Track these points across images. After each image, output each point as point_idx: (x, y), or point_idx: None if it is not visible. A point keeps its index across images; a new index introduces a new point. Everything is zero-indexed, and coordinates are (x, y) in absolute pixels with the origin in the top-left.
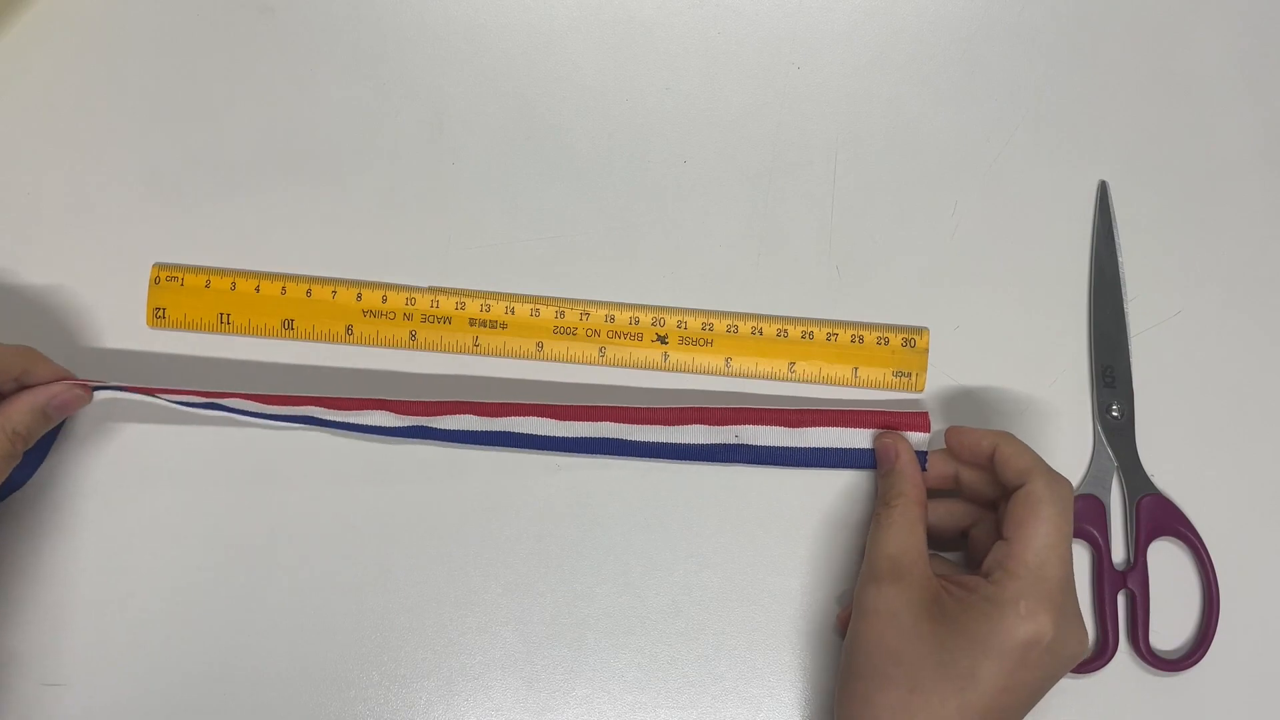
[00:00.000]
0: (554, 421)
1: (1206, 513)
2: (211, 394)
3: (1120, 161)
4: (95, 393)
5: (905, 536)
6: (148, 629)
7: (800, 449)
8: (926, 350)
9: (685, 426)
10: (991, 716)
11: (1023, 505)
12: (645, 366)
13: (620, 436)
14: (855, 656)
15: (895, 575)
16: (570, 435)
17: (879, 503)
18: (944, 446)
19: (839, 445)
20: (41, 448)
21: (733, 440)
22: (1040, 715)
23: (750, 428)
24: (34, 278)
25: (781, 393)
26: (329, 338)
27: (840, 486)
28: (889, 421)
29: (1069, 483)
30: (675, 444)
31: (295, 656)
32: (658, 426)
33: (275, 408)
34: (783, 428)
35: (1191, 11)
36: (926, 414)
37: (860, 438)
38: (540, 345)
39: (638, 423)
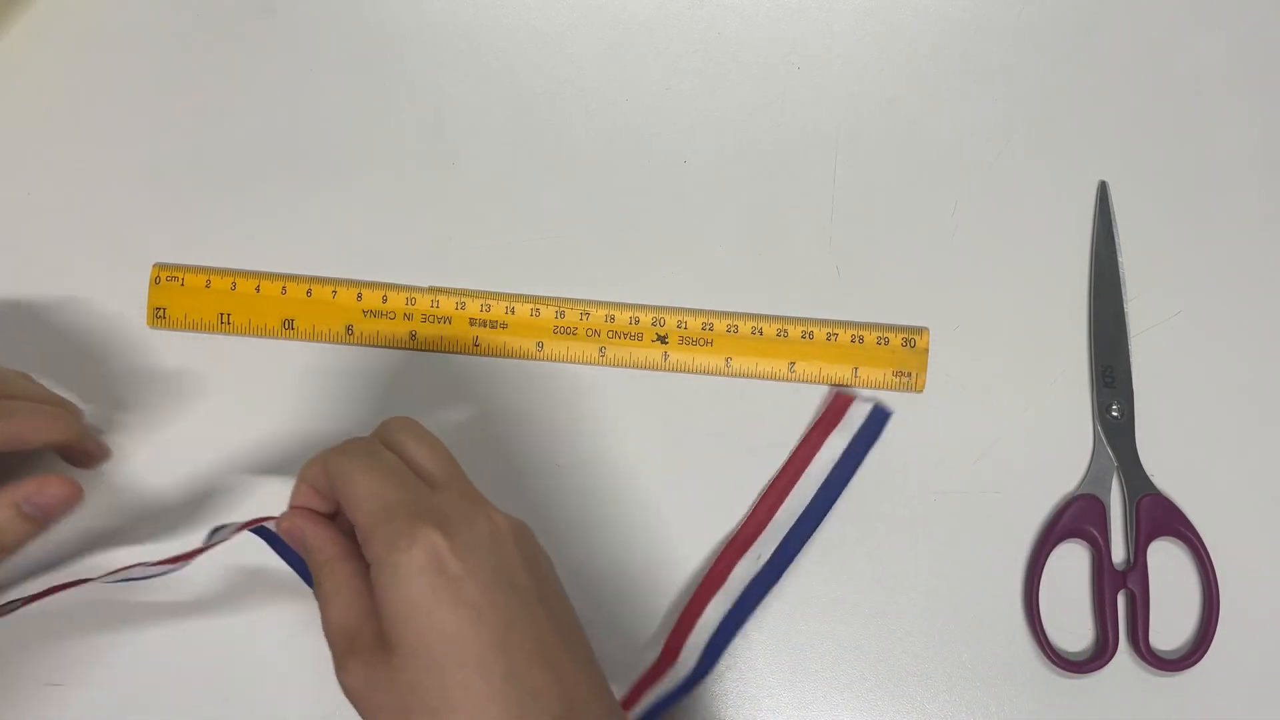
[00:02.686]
0: None
1: (1206, 513)
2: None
3: (1120, 161)
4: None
5: (343, 600)
6: (148, 629)
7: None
8: (926, 350)
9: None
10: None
11: (340, 487)
12: (645, 366)
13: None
14: None
15: (351, 647)
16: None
17: (314, 582)
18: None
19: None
20: None
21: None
22: (1040, 715)
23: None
24: (34, 278)
25: (782, 393)
26: (329, 338)
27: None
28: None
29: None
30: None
31: (295, 657)
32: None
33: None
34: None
35: (1191, 12)
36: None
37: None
38: (540, 345)
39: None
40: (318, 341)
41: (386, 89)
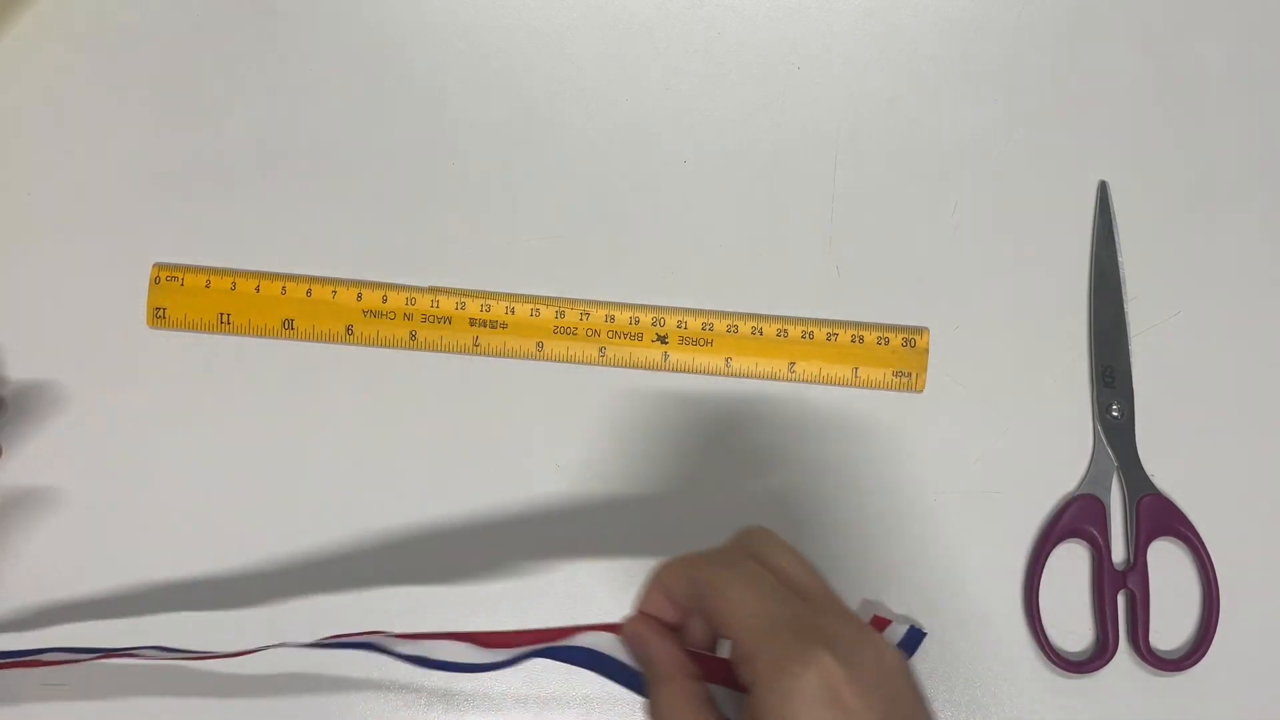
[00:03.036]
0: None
1: (1206, 513)
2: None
3: (1120, 161)
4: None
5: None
6: (147, 629)
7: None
8: (926, 350)
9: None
10: None
11: (712, 602)
12: (645, 366)
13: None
14: None
15: None
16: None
17: (649, 693)
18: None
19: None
20: None
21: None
22: (1041, 715)
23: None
24: (34, 277)
25: (782, 393)
26: (329, 338)
27: (840, 488)
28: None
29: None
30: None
31: (295, 657)
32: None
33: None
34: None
35: (1191, 12)
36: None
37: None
38: (540, 345)
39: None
40: (318, 341)
41: (386, 89)
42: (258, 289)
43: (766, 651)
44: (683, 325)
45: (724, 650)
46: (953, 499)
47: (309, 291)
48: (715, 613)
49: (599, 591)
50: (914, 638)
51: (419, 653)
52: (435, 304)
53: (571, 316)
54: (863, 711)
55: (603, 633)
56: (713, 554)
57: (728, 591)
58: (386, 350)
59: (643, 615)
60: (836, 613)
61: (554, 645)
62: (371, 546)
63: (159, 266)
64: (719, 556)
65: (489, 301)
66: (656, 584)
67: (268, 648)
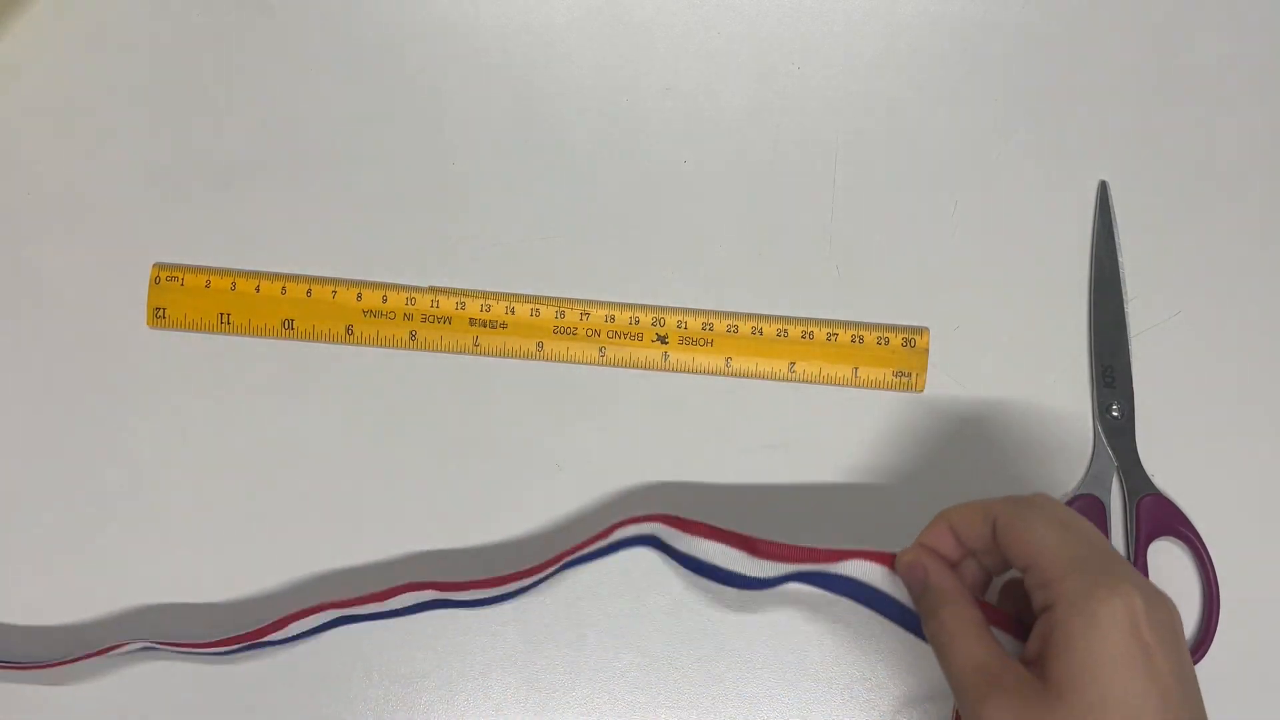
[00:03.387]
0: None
1: (1206, 513)
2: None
3: (1120, 161)
4: None
5: (975, 641)
6: (147, 629)
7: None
8: (926, 350)
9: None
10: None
11: (1013, 533)
12: (645, 366)
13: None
14: None
15: (993, 687)
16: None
17: (927, 618)
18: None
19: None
20: None
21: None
22: None
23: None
24: (34, 278)
25: (782, 393)
26: (329, 338)
27: (840, 489)
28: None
29: (1119, 578)
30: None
31: (295, 656)
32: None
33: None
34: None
35: (1191, 11)
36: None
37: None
38: (540, 345)
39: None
40: (318, 341)
41: (386, 89)
42: (258, 289)
43: (1075, 578)
44: (683, 325)
45: (992, 596)
46: (953, 499)
47: (309, 291)
48: (1018, 543)
49: (601, 591)
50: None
51: (693, 552)
52: (435, 304)
53: (571, 316)
54: (1157, 648)
55: (871, 562)
56: (1013, 497)
57: (1033, 525)
58: (386, 350)
59: (923, 547)
60: (1130, 568)
61: (818, 571)
62: (371, 547)
63: (159, 266)
64: (1022, 499)
65: (489, 301)
66: (943, 521)
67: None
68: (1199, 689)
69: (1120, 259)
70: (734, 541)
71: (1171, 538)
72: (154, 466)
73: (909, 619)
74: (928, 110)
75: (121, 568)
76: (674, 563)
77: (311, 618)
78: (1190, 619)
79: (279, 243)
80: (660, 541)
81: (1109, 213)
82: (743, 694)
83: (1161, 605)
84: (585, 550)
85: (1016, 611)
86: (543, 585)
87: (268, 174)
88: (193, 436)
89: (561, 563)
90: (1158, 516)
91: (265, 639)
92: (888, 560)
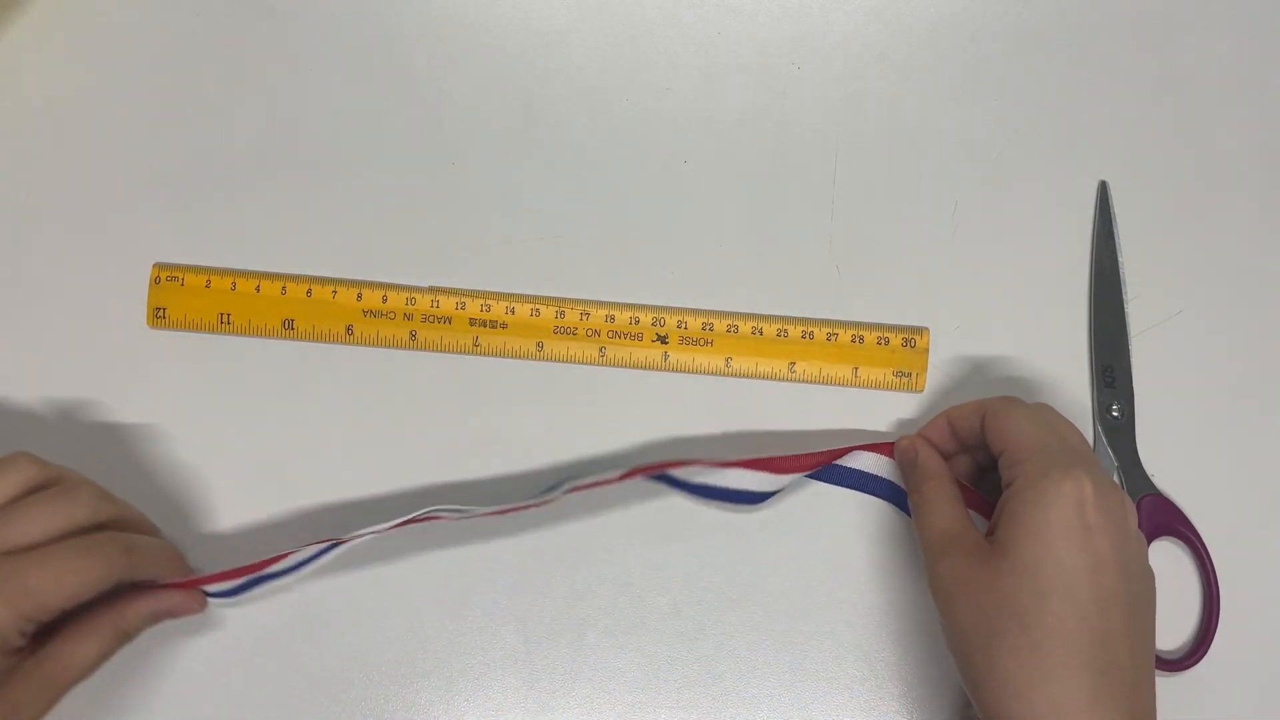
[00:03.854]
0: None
1: (1206, 513)
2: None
3: (1120, 161)
4: (209, 598)
5: (947, 509)
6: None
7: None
8: (926, 350)
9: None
10: (1107, 614)
11: (996, 421)
12: (645, 366)
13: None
14: (957, 637)
15: (952, 546)
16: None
17: (911, 491)
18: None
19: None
20: None
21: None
22: None
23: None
24: (34, 278)
25: (782, 393)
26: (329, 338)
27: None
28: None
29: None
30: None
31: (295, 656)
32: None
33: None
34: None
35: (1191, 11)
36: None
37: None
38: (540, 345)
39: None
40: (318, 341)
41: (386, 89)
42: (258, 289)
43: (1036, 460)
44: (683, 325)
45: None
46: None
47: (309, 291)
48: (999, 430)
49: (601, 590)
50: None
51: (719, 482)
52: (435, 304)
53: (571, 316)
54: (1099, 529)
55: (871, 453)
56: (1004, 396)
57: (1014, 415)
58: (386, 350)
59: (922, 436)
60: (1097, 463)
61: (827, 467)
62: (371, 546)
63: (159, 266)
64: (1009, 397)
65: (489, 301)
66: (943, 416)
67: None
68: (1145, 585)
69: (1120, 259)
70: (759, 465)
71: (1171, 538)
72: (154, 467)
73: (898, 496)
74: (928, 110)
75: None
76: (683, 491)
77: (310, 547)
78: (1190, 619)
79: (279, 243)
80: (671, 478)
81: (1109, 213)
82: (743, 694)
83: (1111, 495)
84: (596, 480)
85: (992, 500)
86: (546, 579)
87: (268, 174)
88: (193, 437)
89: (566, 487)
90: (1158, 516)
91: (266, 571)
92: (887, 450)
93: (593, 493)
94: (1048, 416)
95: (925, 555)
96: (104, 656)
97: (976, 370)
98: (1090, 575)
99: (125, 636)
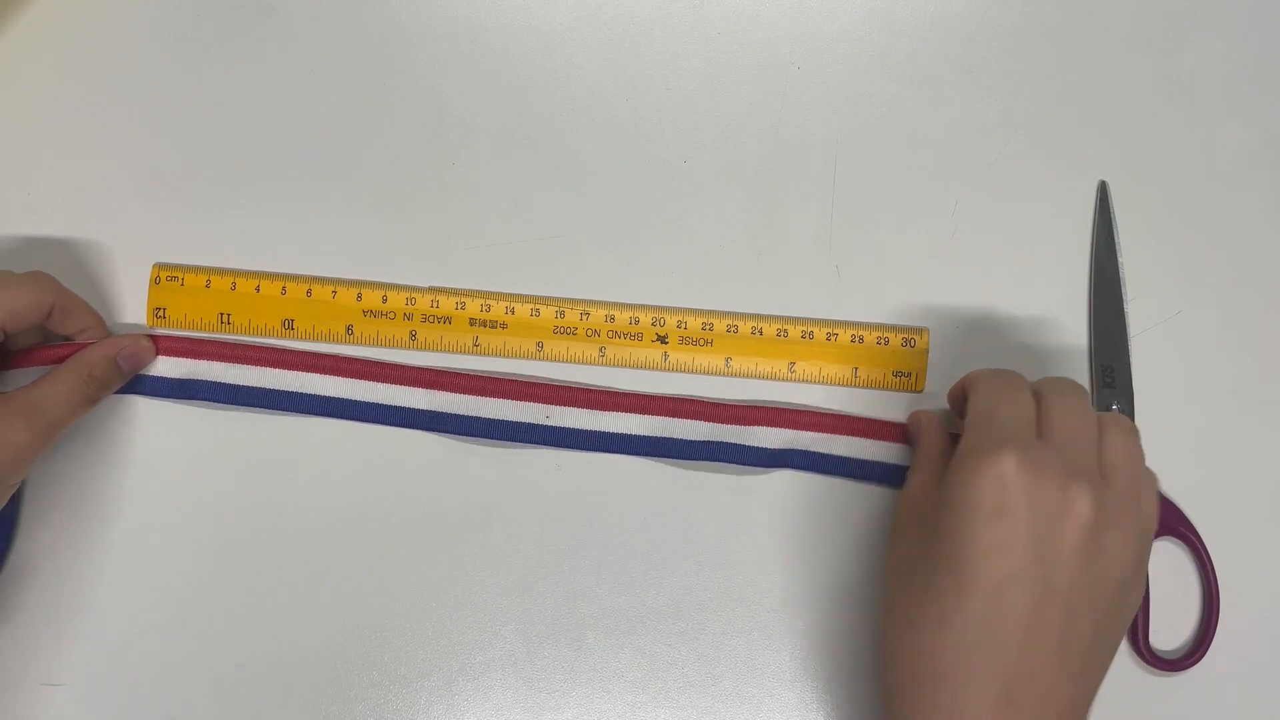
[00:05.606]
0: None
1: (1206, 513)
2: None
3: (1120, 161)
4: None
5: (925, 482)
6: (147, 628)
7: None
8: (926, 350)
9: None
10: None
11: (969, 392)
12: (645, 366)
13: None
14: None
15: (929, 461)
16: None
17: (915, 468)
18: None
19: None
20: (7, 523)
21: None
22: None
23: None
24: None
25: (782, 393)
26: (329, 338)
27: (843, 489)
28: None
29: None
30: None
31: (295, 656)
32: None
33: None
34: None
35: (1191, 12)
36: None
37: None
38: (540, 345)
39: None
40: (318, 341)
41: (386, 89)
42: (258, 289)
43: (970, 434)
44: (683, 325)
45: None
46: None
47: (309, 291)
48: (968, 401)
49: (600, 590)
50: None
51: (718, 438)
52: (435, 304)
53: (571, 316)
54: (1016, 508)
55: (870, 439)
56: (1000, 369)
57: (976, 392)
58: (386, 350)
59: (930, 414)
60: (1063, 454)
61: (816, 453)
62: (370, 545)
63: (159, 266)
64: (1001, 370)
65: (489, 301)
66: (961, 381)
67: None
68: (1082, 572)
69: (1120, 259)
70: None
71: (1171, 538)
72: (154, 467)
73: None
74: (928, 110)
75: (121, 568)
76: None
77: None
78: (1190, 619)
79: (279, 243)
80: (669, 441)
81: (1109, 213)
82: (743, 694)
83: (1041, 486)
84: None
85: None
86: (546, 579)
87: (268, 174)
88: (192, 437)
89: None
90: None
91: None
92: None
93: (593, 492)
94: (1017, 392)
95: (908, 478)
96: (74, 394)
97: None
98: (988, 558)
99: (92, 379)
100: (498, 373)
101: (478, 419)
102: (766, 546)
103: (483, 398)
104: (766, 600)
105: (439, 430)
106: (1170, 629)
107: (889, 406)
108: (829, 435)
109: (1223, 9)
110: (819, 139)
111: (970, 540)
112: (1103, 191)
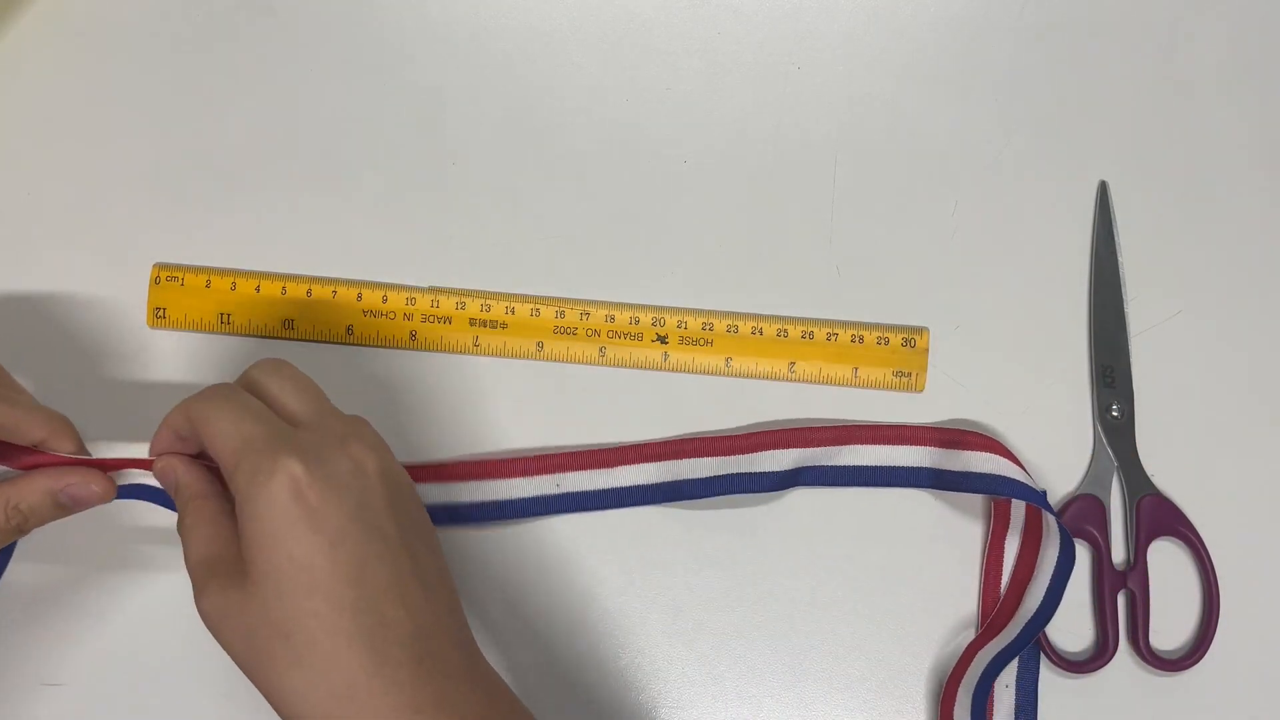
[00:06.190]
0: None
1: (1206, 513)
2: None
3: (1120, 161)
4: (119, 490)
5: (205, 532)
6: (148, 628)
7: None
8: (926, 350)
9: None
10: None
11: (201, 428)
12: (645, 366)
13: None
14: (243, 668)
15: (211, 575)
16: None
17: (179, 517)
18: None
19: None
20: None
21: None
22: (1040, 715)
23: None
24: (34, 278)
25: (782, 393)
26: (329, 338)
27: (840, 489)
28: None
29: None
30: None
31: None
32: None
33: None
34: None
35: (1191, 12)
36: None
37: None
38: (540, 345)
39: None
40: (318, 341)
41: (386, 89)
42: (258, 289)
43: (244, 465)
44: (683, 325)
45: None
46: (952, 498)
47: (309, 291)
48: (206, 439)
49: (600, 591)
50: (1040, 499)
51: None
52: (435, 304)
53: (571, 316)
54: (324, 508)
55: (145, 470)
56: (208, 389)
57: (211, 418)
58: (386, 350)
59: (165, 454)
60: (322, 428)
61: (127, 485)
62: None
63: (159, 266)
64: (211, 391)
65: (489, 301)
66: (165, 425)
67: None
68: (400, 526)
69: (1120, 259)
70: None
71: (1171, 538)
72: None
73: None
74: (928, 110)
75: (120, 565)
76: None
77: None
78: (1190, 619)
79: (279, 243)
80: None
81: (1109, 213)
82: (743, 694)
83: (337, 464)
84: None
85: None
86: (546, 579)
87: (268, 174)
88: None
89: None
90: (1158, 516)
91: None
92: (150, 466)
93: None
94: (246, 400)
95: (192, 587)
96: None
97: (976, 370)
98: (330, 553)
99: (18, 513)
100: (502, 453)
101: (490, 504)
102: (767, 546)
103: (495, 480)
104: (767, 600)
105: (450, 524)
106: (1170, 629)
107: (889, 406)
108: (834, 448)
109: (1223, 9)
110: (819, 139)
111: (305, 561)
112: (1103, 191)
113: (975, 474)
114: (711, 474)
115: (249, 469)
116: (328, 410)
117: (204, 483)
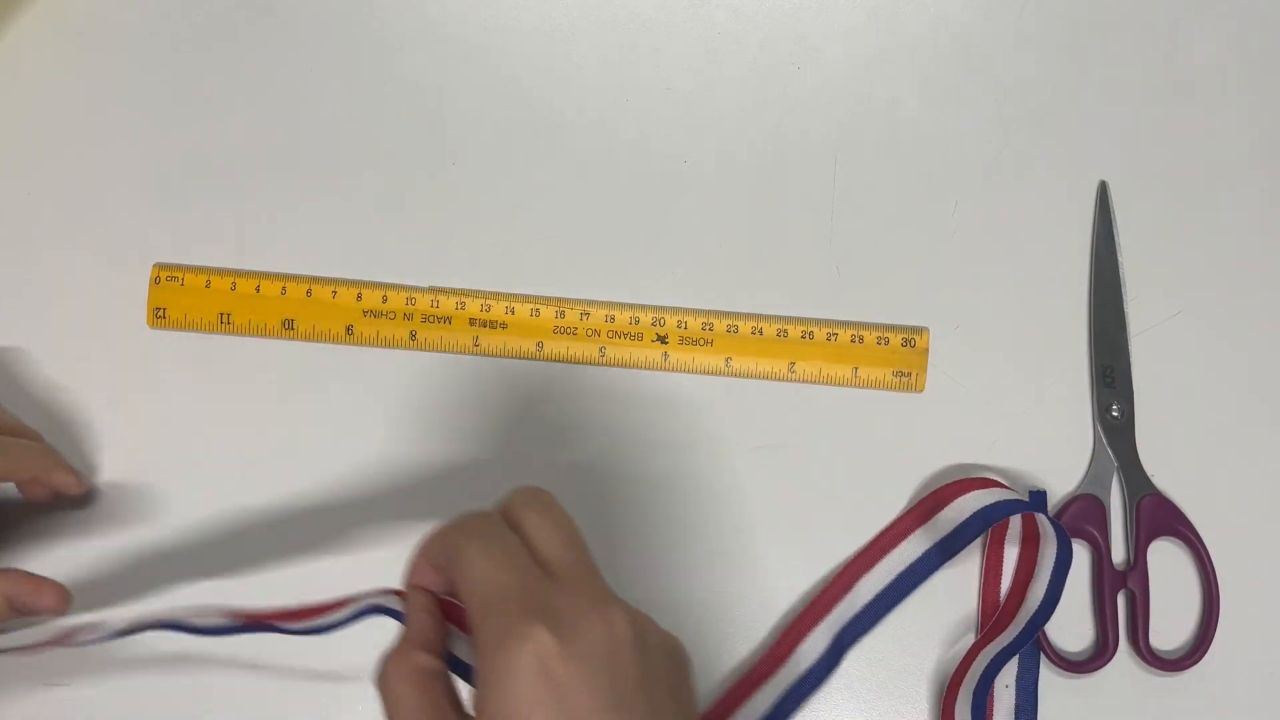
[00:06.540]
0: None
1: (1206, 513)
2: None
3: (1120, 161)
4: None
5: (412, 701)
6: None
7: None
8: (926, 350)
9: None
10: None
11: (455, 569)
12: (645, 366)
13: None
14: None
15: None
16: None
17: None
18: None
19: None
20: None
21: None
22: (1041, 715)
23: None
24: (34, 277)
25: (782, 393)
26: (329, 338)
27: (844, 488)
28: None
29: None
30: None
31: (296, 656)
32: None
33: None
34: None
35: (1191, 11)
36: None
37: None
38: (540, 345)
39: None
40: (318, 341)
41: (386, 89)
42: (258, 289)
43: (490, 625)
44: (683, 325)
45: None
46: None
47: (309, 291)
48: (457, 580)
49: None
50: (1039, 499)
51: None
52: (435, 304)
53: (571, 316)
54: (575, 684)
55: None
56: (468, 518)
57: (467, 559)
58: (386, 350)
59: (412, 587)
60: (575, 586)
61: (366, 607)
62: (371, 546)
63: (159, 266)
64: (471, 523)
65: (489, 301)
66: (420, 553)
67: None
68: (652, 702)
69: (1120, 259)
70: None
71: (1171, 538)
72: (154, 467)
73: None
74: (928, 110)
75: (120, 564)
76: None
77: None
78: (1190, 619)
79: (279, 243)
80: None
81: (1109, 213)
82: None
83: (590, 633)
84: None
85: None
86: None
87: (268, 174)
88: (193, 437)
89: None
90: (1158, 516)
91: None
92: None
93: (591, 492)
94: (506, 542)
95: None
96: None
97: (976, 370)
98: None
99: None
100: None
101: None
102: (767, 548)
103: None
104: (767, 600)
105: None
106: (1170, 629)
107: (889, 407)
108: (848, 598)
109: (1223, 9)
110: (819, 139)
111: None
112: (1103, 191)
113: (965, 521)
114: (770, 706)
115: (496, 629)
116: (583, 557)
117: (426, 635)
